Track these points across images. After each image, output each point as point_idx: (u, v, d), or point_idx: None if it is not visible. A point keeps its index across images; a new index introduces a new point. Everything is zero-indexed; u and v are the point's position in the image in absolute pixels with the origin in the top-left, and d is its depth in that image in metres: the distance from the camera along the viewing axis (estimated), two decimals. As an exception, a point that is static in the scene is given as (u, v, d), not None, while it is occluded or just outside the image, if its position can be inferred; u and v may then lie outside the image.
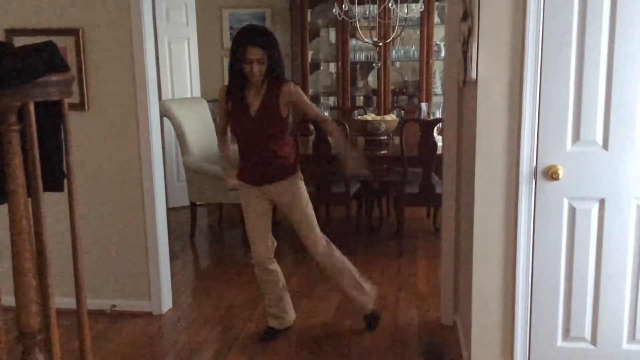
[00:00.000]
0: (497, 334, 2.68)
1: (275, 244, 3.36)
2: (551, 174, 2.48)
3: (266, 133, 3.13)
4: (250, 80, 3.07)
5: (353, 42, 6.81)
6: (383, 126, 5.19)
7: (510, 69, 2.46)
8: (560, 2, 2.38)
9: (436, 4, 6.53)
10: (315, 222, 3.30)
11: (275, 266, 3.35)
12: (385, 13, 6.01)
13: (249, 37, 3.02)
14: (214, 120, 6.37)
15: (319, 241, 3.29)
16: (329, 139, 3.41)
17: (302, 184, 3.29)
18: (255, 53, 2.98)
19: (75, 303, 1.68)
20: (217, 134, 3.38)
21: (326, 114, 5.72)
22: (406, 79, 7.13)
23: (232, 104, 3.17)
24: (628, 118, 2.43)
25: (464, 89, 3.12)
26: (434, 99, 6.68)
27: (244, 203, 3.32)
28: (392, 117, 5.52)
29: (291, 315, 3.51)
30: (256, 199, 3.26)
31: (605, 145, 2.46)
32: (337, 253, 3.35)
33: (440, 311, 3.62)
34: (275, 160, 3.19)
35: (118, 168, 3.62)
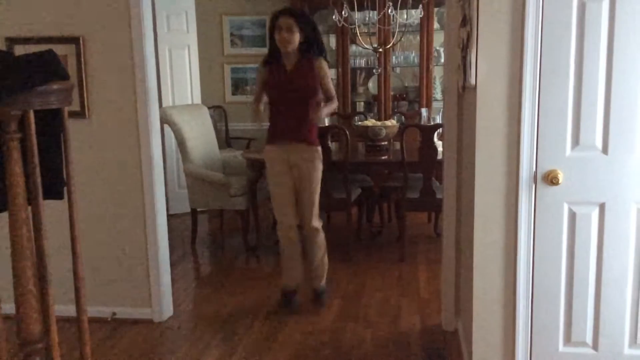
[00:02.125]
0: (498, 339, 2.68)
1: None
2: (551, 179, 2.49)
3: (297, 88, 3.47)
4: (282, 50, 3.41)
5: (353, 48, 6.82)
6: (383, 132, 5.20)
7: (509, 74, 2.47)
8: (559, 7, 2.39)
9: (435, 9, 6.54)
10: (318, 201, 3.68)
11: (295, 228, 3.75)
12: (385, 19, 6.03)
13: (282, 10, 3.51)
14: (215, 126, 6.38)
15: (316, 217, 3.71)
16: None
17: (320, 161, 3.64)
18: (285, 21, 3.37)
19: (76, 311, 1.68)
20: (253, 102, 3.76)
21: (326, 120, 5.72)
22: (406, 84, 7.14)
23: (269, 70, 3.55)
24: (627, 122, 2.43)
25: (463, 94, 3.13)
26: (434, 105, 6.68)
27: (268, 168, 3.68)
28: (392, 122, 5.53)
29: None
30: (281, 172, 3.61)
31: (604, 150, 2.47)
32: (323, 233, 3.82)
33: (441, 316, 3.61)
34: (302, 122, 3.50)
35: (118, 175, 3.63)
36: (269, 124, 3.68)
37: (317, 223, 3.77)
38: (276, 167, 3.66)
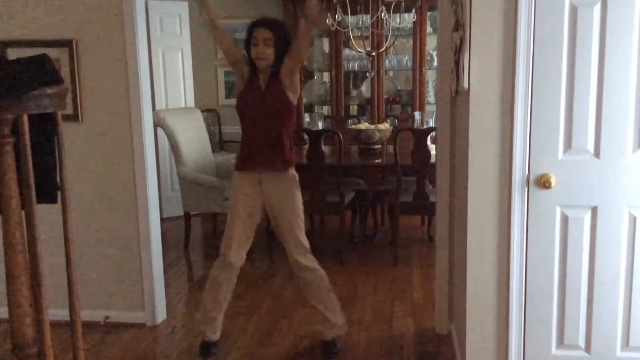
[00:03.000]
0: (491, 342, 2.69)
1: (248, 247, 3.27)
2: (543, 183, 2.50)
3: (273, 112, 3.07)
4: (257, 65, 3.03)
5: (346, 51, 6.84)
6: (377, 135, 5.21)
7: (501, 78, 2.49)
8: (552, 11, 2.41)
9: (428, 14, 6.57)
10: (303, 229, 3.19)
11: (237, 270, 3.22)
12: (378, 23, 6.04)
13: (258, 21, 3.07)
14: (209, 130, 6.38)
15: (305, 253, 3.18)
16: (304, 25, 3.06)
17: (297, 184, 3.19)
18: (262, 33, 2.98)
19: (69, 315, 1.68)
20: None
21: (319, 123, 5.73)
22: (399, 88, 7.16)
23: (242, 79, 3.13)
24: (619, 126, 2.45)
25: (456, 98, 3.14)
26: (427, 108, 6.71)
27: (233, 196, 3.20)
28: (385, 126, 5.54)
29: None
30: (247, 197, 3.15)
31: (597, 154, 2.48)
32: (321, 271, 3.24)
33: (435, 320, 3.62)
34: (277, 147, 3.10)
35: (112, 178, 3.62)
36: (240, 148, 3.23)
37: (307, 260, 3.19)
38: (242, 197, 3.16)
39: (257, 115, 3.09)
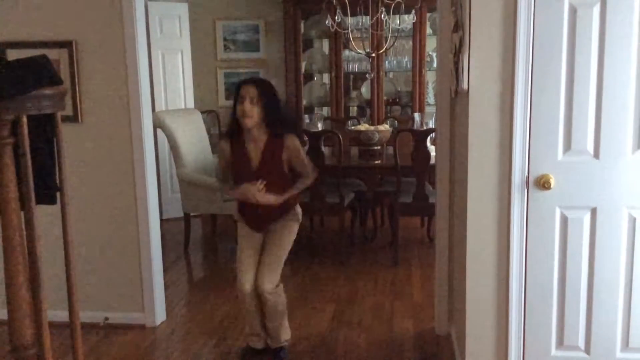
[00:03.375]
0: (491, 343, 2.69)
1: None
2: (543, 183, 2.50)
3: (267, 186, 3.02)
4: (243, 125, 2.98)
5: (346, 53, 6.84)
6: (377, 136, 5.21)
7: (501, 80, 2.49)
8: (551, 13, 2.41)
9: (428, 15, 6.57)
10: (281, 265, 3.17)
11: (253, 294, 3.17)
12: (377, 24, 6.04)
13: (245, 80, 3.05)
14: (208, 131, 6.37)
15: (275, 282, 3.12)
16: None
17: (296, 225, 3.22)
18: (247, 90, 2.95)
19: (69, 316, 1.68)
20: (218, 178, 3.31)
21: (319, 124, 5.73)
22: (399, 89, 7.16)
23: (232, 153, 3.11)
24: (618, 127, 2.45)
25: (456, 99, 3.14)
26: (427, 109, 6.70)
27: (239, 237, 3.23)
28: (385, 127, 5.54)
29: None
30: (252, 239, 3.19)
31: (596, 154, 2.48)
32: (281, 298, 3.20)
33: (434, 321, 3.62)
34: (275, 210, 3.11)
35: (111, 180, 3.62)
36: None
37: (274, 287, 3.13)
38: (248, 239, 3.20)
39: (250, 182, 3.03)
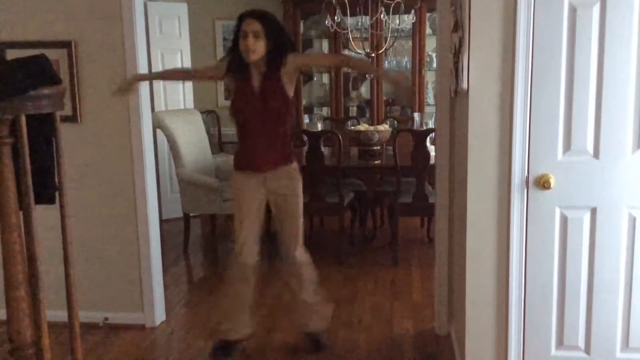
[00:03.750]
0: (491, 343, 2.68)
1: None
2: (543, 183, 2.50)
3: (271, 111, 2.98)
4: (246, 59, 2.90)
5: (346, 52, 6.83)
6: (376, 136, 5.20)
7: (501, 79, 2.48)
8: (550, 12, 2.41)
9: (428, 15, 6.57)
10: (302, 229, 3.18)
11: (255, 268, 3.17)
12: (377, 24, 6.04)
13: (247, 12, 2.94)
14: (208, 131, 6.37)
15: (301, 244, 3.17)
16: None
17: (299, 177, 3.16)
18: (251, 24, 2.85)
19: (68, 316, 1.67)
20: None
21: (319, 125, 5.72)
22: (399, 89, 7.15)
23: (233, 82, 3.04)
24: (618, 127, 2.45)
25: (456, 99, 3.14)
26: (427, 109, 6.70)
27: (237, 196, 3.12)
28: (385, 127, 5.54)
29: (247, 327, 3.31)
30: (253, 194, 3.09)
31: (596, 154, 2.48)
32: (312, 268, 3.23)
33: (434, 321, 3.62)
34: (278, 144, 3.05)
35: (111, 180, 3.62)
36: (238, 147, 3.18)
37: (303, 254, 3.20)
38: (249, 195, 3.10)
39: (256, 118, 3.00)
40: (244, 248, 3.12)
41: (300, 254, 3.19)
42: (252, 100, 2.99)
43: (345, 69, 6.88)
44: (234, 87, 3.08)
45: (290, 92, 3.05)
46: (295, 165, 3.17)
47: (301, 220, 3.18)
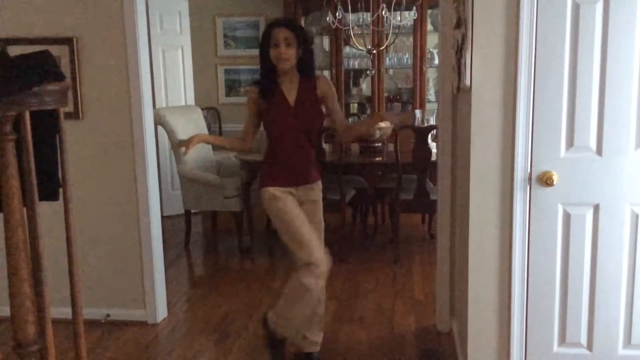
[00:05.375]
0: (493, 340, 2.68)
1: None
2: (545, 180, 2.49)
3: (306, 124, 2.95)
4: (280, 68, 2.88)
5: (347, 49, 6.83)
6: (377, 133, 5.20)
7: (503, 76, 2.48)
8: (554, 8, 2.40)
9: (429, 11, 6.56)
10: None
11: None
12: (378, 21, 6.03)
13: (276, 21, 2.93)
14: (209, 128, 6.37)
15: (326, 256, 2.96)
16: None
17: (321, 194, 3.13)
18: (282, 32, 2.83)
19: (71, 312, 1.67)
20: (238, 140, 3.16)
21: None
22: (400, 86, 7.15)
23: (266, 100, 2.96)
24: (621, 123, 2.44)
25: (458, 95, 3.14)
26: (428, 106, 6.70)
27: (280, 211, 2.94)
28: (386, 123, 5.53)
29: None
30: (292, 201, 2.97)
31: (599, 151, 2.48)
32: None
33: (436, 318, 3.62)
34: (309, 160, 3.02)
35: (112, 177, 3.61)
36: (269, 161, 3.05)
37: (326, 264, 2.97)
38: (289, 203, 2.96)
39: (292, 130, 2.95)
40: (315, 253, 2.88)
41: (326, 266, 2.95)
42: (287, 112, 2.94)
43: (346, 67, 6.88)
44: (266, 106, 2.98)
45: (323, 109, 3.05)
46: (320, 182, 3.12)
47: (322, 236, 3.06)
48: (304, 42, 2.91)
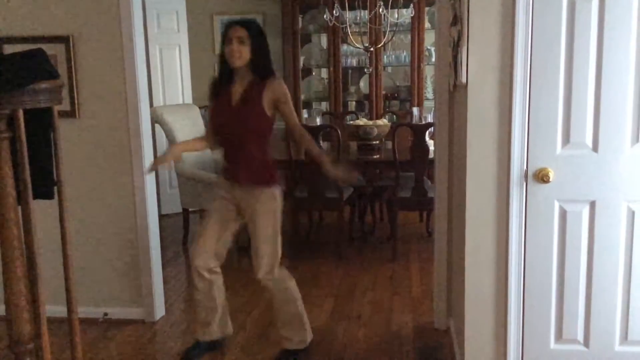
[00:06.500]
0: (490, 337, 2.69)
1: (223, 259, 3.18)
2: (542, 177, 2.50)
3: (244, 125, 2.95)
4: (231, 65, 2.92)
5: (344, 47, 6.82)
6: (375, 131, 5.20)
7: (499, 73, 2.48)
8: (550, 5, 2.40)
9: (426, 9, 6.56)
10: (272, 252, 3.04)
11: (215, 270, 3.14)
12: (376, 18, 6.03)
13: (233, 21, 2.97)
14: (206, 126, 6.35)
15: (268, 268, 3.05)
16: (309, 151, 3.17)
17: (274, 203, 3.03)
18: (236, 31, 2.88)
19: (67, 311, 1.67)
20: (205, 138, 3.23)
21: (317, 119, 5.71)
22: (398, 83, 7.15)
23: (215, 98, 3.06)
24: (617, 120, 2.44)
25: (454, 92, 3.14)
26: (426, 104, 6.70)
27: (212, 203, 3.13)
28: (384, 121, 5.54)
29: (224, 329, 3.31)
30: (223, 200, 3.08)
31: (595, 148, 2.48)
32: (284, 286, 3.12)
33: (433, 315, 3.62)
34: (251, 160, 2.98)
35: (109, 175, 3.61)
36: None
37: (267, 274, 3.06)
38: (218, 200, 3.10)
39: (231, 132, 2.99)
40: (196, 250, 3.09)
41: (263, 274, 3.06)
42: (227, 110, 2.98)
43: (344, 65, 6.88)
44: (213, 104, 3.07)
45: (268, 111, 2.97)
46: (272, 192, 3.03)
47: (269, 242, 3.04)
48: (259, 42, 2.93)
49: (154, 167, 3.15)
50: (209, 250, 3.09)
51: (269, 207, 3.03)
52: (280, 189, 3.10)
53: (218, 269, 3.18)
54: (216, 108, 3.05)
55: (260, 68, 2.96)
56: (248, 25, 2.94)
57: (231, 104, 2.98)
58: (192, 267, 3.13)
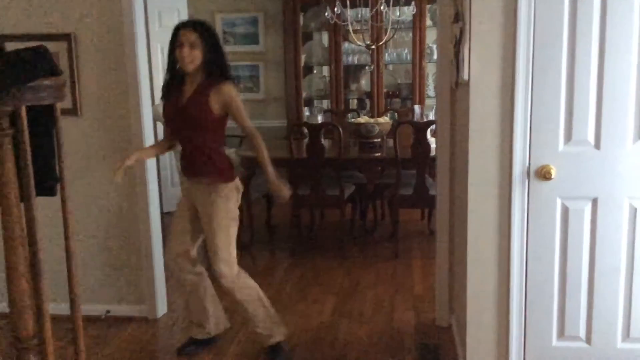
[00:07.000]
0: (492, 334, 2.69)
1: (196, 254, 3.22)
2: (544, 174, 2.50)
3: (190, 122, 2.94)
4: (185, 70, 2.89)
5: (346, 45, 6.82)
6: (376, 129, 5.20)
7: (502, 70, 2.48)
8: (552, 2, 2.40)
9: (428, 6, 6.55)
10: (224, 246, 3.01)
11: (195, 270, 3.19)
12: (377, 16, 6.02)
13: (182, 23, 2.94)
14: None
15: (222, 262, 3.00)
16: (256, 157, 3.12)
17: (227, 200, 3.00)
18: (186, 35, 2.84)
19: (70, 307, 1.68)
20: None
21: (319, 117, 5.72)
22: (399, 81, 7.15)
23: (166, 99, 3.05)
24: (619, 117, 2.44)
25: (456, 90, 3.13)
26: (427, 101, 6.70)
27: (180, 197, 3.26)
28: (385, 119, 5.54)
29: (219, 325, 3.35)
30: (184, 199, 3.18)
31: (597, 145, 2.48)
32: (239, 283, 3.09)
33: (435, 312, 3.62)
34: (199, 157, 2.99)
35: (111, 173, 3.60)
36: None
37: (222, 268, 3.00)
38: (182, 199, 3.19)
39: (178, 129, 3.02)
40: (170, 238, 3.19)
41: (218, 266, 3.01)
42: (177, 109, 2.97)
43: (345, 63, 6.88)
44: (164, 104, 3.07)
45: (216, 111, 2.93)
46: (224, 185, 3.01)
47: (220, 237, 3.00)
48: (211, 45, 2.89)
49: (117, 177, 2.97)
50: (179, 243, 3.15)
51: (221, 204, 2.99)
52: (237, 185, 3.08)
53: (200, 269, 3.22)
54: (167, 108, 3.05)
55: (215, 70, 2.92)
56: (200, 28, 2.88)
57: (182, 103, 2.96)
58: (171, 272, 3.22)
